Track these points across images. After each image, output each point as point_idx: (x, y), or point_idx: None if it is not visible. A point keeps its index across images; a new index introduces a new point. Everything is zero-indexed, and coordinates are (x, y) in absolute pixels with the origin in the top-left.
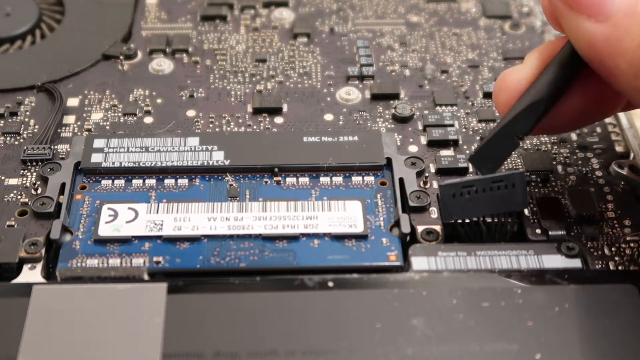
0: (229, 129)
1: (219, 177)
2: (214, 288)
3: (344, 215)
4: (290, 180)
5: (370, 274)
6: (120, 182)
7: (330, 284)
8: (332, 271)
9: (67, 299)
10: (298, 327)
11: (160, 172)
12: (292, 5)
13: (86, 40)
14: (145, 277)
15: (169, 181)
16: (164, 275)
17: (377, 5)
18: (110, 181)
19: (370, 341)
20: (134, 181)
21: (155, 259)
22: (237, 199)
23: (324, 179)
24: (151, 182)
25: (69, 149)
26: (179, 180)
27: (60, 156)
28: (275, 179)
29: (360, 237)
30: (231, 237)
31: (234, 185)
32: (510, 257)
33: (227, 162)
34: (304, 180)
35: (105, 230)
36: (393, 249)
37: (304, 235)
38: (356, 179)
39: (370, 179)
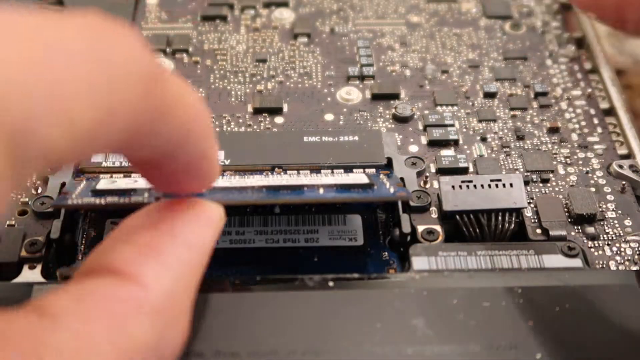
0: (229, 128)
1: (219, 177)
2: (214, 288)
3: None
4: None
5: (371, 274)
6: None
7: (331, 283)
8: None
9: None
10: (298, 327)
11: None
12: (292, 6)
13: None
14: None
15: None
16: None
17: (378, 5)
18: None
19: (370, 341)
20: None
21: None
22: None
23: None
24: None
25: None
26: None
27: None
28: None
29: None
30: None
31: None
32: (511, 257)
33: (227, 162)
34: None
35: (104, 184)
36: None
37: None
38: None
39: None
